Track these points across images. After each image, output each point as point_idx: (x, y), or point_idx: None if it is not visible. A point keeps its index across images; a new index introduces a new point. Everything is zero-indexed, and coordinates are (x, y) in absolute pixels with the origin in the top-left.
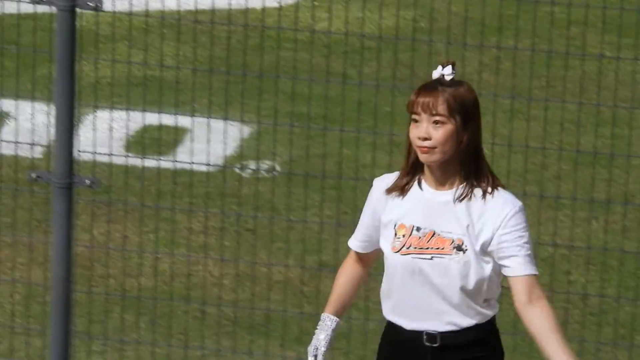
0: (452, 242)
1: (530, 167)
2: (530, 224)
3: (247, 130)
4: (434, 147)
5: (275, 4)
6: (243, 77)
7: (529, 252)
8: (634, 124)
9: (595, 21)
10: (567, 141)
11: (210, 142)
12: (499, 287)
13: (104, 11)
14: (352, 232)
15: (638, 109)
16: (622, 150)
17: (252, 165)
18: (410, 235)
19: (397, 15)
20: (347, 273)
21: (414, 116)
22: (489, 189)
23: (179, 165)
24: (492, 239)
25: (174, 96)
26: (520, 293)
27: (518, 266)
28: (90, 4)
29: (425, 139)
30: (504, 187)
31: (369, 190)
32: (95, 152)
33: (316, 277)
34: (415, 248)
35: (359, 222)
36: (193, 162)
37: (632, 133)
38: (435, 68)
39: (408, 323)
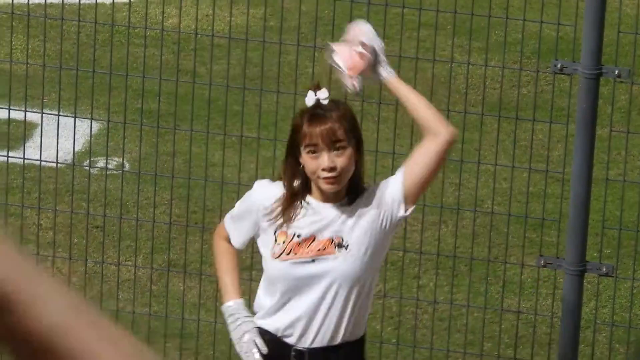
0: (332, 241)
1: (380, 170)
2: None
3: (96, 126)
4: (339, 176)
5: (125, 0)
6: (92, 72)
7: None
8: (484, 128)
9: (445, 24)
10: (417, 144)
11: (59, 137)
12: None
13: None
14: (201, 231)
15: (488, 114)
16: (471, 155)
17: (100, 161)
18: (290, 241)
19: (247, 13)
20: (232, 257)
21: (310, 148)
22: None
23: (27, 161)
24: (377, 209)
25: (23, 90)
26: (418, 152)
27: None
28: None
29: (332, 169)
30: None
31: (219, 189)
32: None
33: (164, 276)
34: (295, 254)
35: (238, 220)
36: (41, 160)
37: (482, 138)
38: (309, 91)
39: (275, 330)
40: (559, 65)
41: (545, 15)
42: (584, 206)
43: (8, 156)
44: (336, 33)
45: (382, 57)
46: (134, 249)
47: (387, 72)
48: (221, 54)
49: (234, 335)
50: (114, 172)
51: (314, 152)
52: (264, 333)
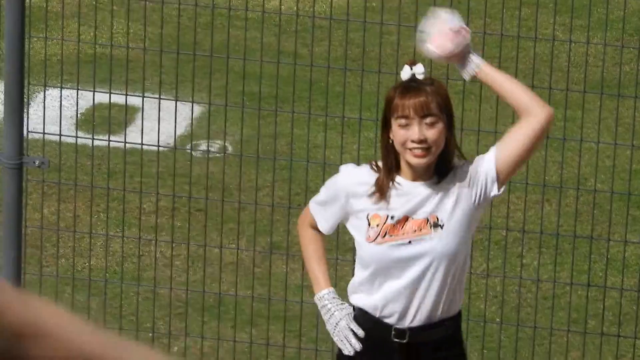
0: (427, 221)
1: (482, 150)
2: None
3: (197, 109)
4: (429, 148)
5: None
6: (193, 55)
7: None
8: (586, 106)
9: (547, 2)
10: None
11: (161, 121)
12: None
13: None
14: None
15: (590, 92)
16: (574, 133)
17: (203, 145)
18: (384, 223)
19: None
20: (319, 244)
21: (401, 120)
22: (459, 164)
23: (129, 145)
24: (470, 186)
25: (125, 75)
26: (513, 133)
27: (492, 149)
28: None
29: (422, 141)
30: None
31: (321, 170)
32: (44, 132)
33: (267, 258)
34: (391, 236)
35: (324, 205)
36: (143, 143)
37: (584, 115)
38: (402, 68)
39: (376, 310)
40: None
41: None
42: None
43: (109, 140)
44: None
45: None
46: (237, 231)
47: (478, 59)
48: (323, 35)
49: (329, 326)
50: (217, 155)
51: (405, 124)
52: (362, 314)
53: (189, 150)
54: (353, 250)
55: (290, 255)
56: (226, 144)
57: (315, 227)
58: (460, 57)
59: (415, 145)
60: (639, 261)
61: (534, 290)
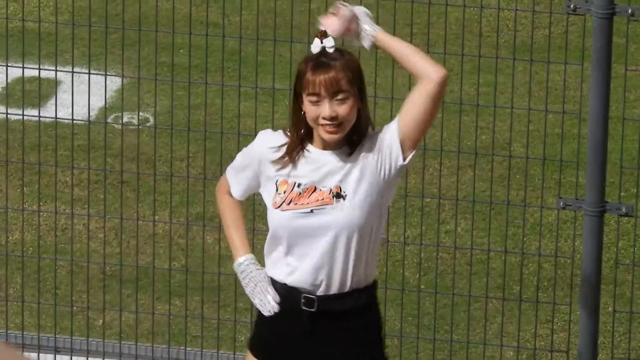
0: (330, 191)
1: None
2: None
3: (116, 81)
4: (340, 124)
5: None
6: (116, 28)
7: None
8: (506, 71)
9: None
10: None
11: (79, 94)
12: (380, 241)
13: None
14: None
15: (506, 58)
16: (491, 99)
17: (124, 117)
18: (291, 191)
19: None
20: (236, 211)
21: (312, 97)
22: (370, 134)
23: (49, 119)
24: (376, 155)
25: (46, 48)
26: (411, 97)
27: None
28: None
29: (333, 117)
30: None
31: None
32: None
33: (187, 229)
34: (295, 204)
35: (239, 170)
36: (73, 120)
37: (497, 80)
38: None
39: (283, 278)
40: (572, 6)
41: None
42: (601, 146)
43: (40, 116)
44: None
45: (366, 18)
46: (159, 202)
47: (372, 28)
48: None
49: (248, 289)
50: (135, 127)
51: (316, 100)
52: (274, 282)
53: (109, 123)
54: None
55: (210, 227)
56: (147, 115)
57: (231, 193)
58: (353, 30)
59: (326, 122)
60: (558, 226)
61: (455, 257)
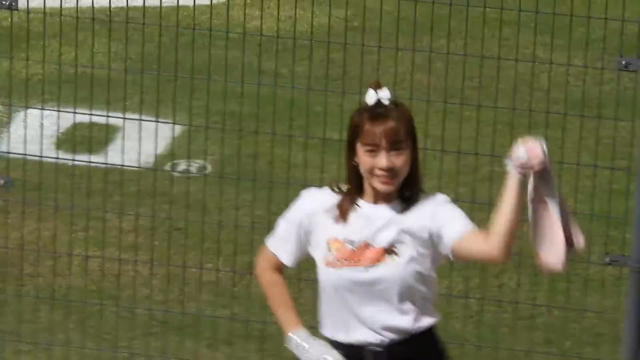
0: (385, 250)
1: (462, 169)
2: None
3: (178, 129)
4: (395, 176)
5: (207, 1)
6: (174, 75)
7: (467, 218)
8: (567, 126)
9: (528, 22)
10: (499, 143)
11: (141, 140)
12: (435, 287)
13: (17, 10)
14: None
15: (570, 114)
16: (554, 154)
17: (182, 164)
18: (343, 248)
19: (329, 14)
20: (281, 287)
21: (369, 147)
22: (421, 193)
23: (109, 165)
24: (430, 224)
25: (105, 94)
26: (478, 239)
27: (462, 225)
28: (4, 2)
29: (390, 169)
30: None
31: (301, 190)
32: (26, 154)
33: (246, 278)
34: (349, 261)
35: (285, 237)
36: (123, 165)
37: (564, 135)
38: (367, 92)
39: (345, 337)
40: (623, 62)
41: (629, 12)
42: None
43: (90, 162)
44: (417, 32)
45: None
46: (216, 251)
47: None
48: (303, 55)
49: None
50: (196, 174)
51: (372, 150)
52: (335, 344)
53: (169, 170)
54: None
55: None
56: (206, 163)
57: (275, 268)
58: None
59: (382, 172)
60: (615, 282)
61: (510, 310)
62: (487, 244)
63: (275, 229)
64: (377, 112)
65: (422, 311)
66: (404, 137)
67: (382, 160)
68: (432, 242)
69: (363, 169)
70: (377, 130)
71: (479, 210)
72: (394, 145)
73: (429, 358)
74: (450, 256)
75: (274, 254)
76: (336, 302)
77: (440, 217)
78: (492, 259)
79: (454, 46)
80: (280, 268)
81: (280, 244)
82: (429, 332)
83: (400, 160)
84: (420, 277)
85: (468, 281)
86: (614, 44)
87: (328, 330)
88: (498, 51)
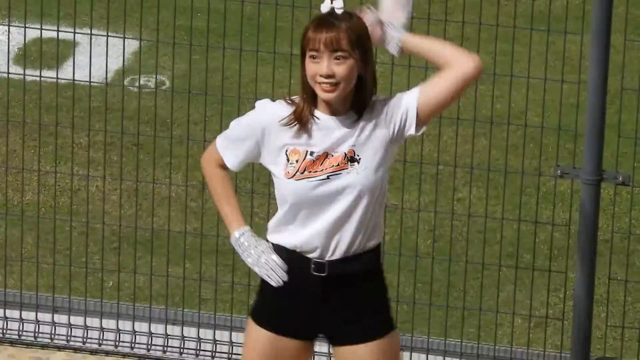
0: (345, 156)
1: (413, 85)
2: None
3: (133, 44)
4: (337, 84)
5: None
6: None
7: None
8: (519, 39)
9: None
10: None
11: (96, 56)
12: (384, 202)
13: None
14: None
15: (521, 27)
16: (507, 68)
17: (142, 79)
18: (304, 159)
19: None
20: (227, 183)
21: (312, 53)
22: (378, 99)
23: (65, 80)
24: (386, 130)
25: (64, 9)
26: (437, 79)
27: (414, 89)
28: None
29: (329, 76)
30: None
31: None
32: None
33: (202, 193)
34: (310, 172)
35: (235, 141)
36: (77, 80)
37: (514, 49)
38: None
39: (292, 243)
40: None
41: None
42: (600, 115)
43: (40, 76)
44: None
45: (394, 23)
46: (173, 166)
47: (398, 33)
48: None
49: (250, 261)
50: (152, 89)
51: (314, 57)
52: (280, 250)
53: (125, 85)
54: (270, 184)
55: None
56: (163, 78)
57: (221, 165)
58: (378, 36)
59: (323, 79)
60: (571, 195)
61: (467, 224)
62: (454, 67)
63: (228, 130)
64: (325, 20)
65: (372, 230)
66: (347, 47)
67: (323, 67)
68: (392, 136)
69: (308, 77)
70: (317, 37)
71: (435, 125)
72: (335, 53)
73: (368, 277)
74: (416, 128)
75: (220, 154)
76: (292, 211)
77: (394, 110)
78: (469, 68)
79: None
80: (224, 166)
81: (230, 146)
82: (374, 251)
83: (341, 69)
84: (378, 186)
85: (423, 196)
86: None
87: (276, 236)
88: None
